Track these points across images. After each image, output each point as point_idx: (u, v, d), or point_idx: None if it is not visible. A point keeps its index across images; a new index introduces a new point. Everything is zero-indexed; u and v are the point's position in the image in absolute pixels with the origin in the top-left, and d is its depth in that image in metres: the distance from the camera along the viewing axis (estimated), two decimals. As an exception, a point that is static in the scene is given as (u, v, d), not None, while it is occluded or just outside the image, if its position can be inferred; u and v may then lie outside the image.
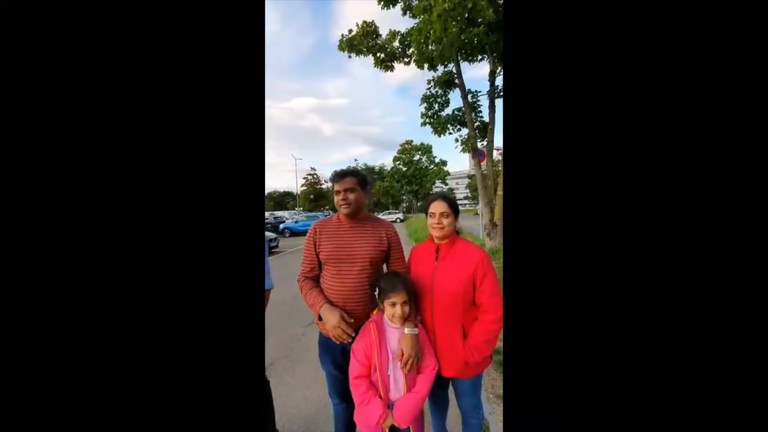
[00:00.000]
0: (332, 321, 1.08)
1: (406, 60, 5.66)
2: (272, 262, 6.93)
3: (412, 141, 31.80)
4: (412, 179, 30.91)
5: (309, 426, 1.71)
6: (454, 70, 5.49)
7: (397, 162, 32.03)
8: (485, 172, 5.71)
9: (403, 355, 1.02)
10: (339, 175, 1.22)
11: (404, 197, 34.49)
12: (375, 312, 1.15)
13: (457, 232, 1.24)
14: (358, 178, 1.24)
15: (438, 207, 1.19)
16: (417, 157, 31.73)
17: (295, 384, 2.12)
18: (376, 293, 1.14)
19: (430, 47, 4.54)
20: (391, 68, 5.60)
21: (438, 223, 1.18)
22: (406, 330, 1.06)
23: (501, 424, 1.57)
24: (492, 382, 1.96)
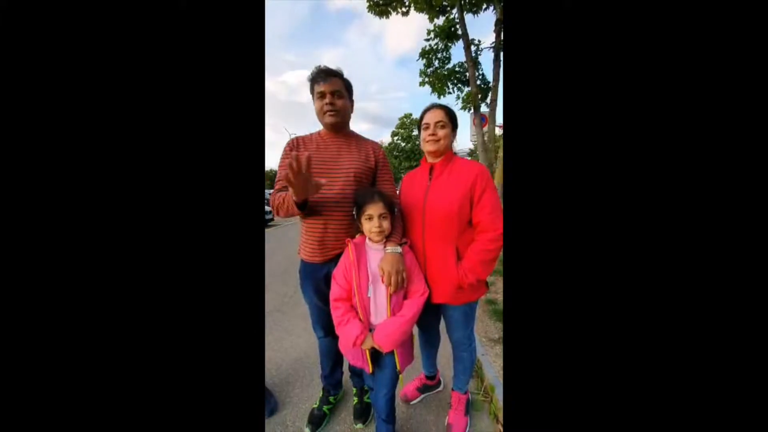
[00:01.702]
0: (287, 195, 0.89)
1: (403, 10, 5.14)
2: (268, 234, 6.99)
3: (411, 114, 30.65)
4: (411, 155, 30.20)
5: (296, 368, 1.67)
6: (457, 17, 5.00)
7: (396, 137, 31.10)
8: (487, 136, 5.44)
9: (383, 274, 0.90)
10: (325, 73, 0.99)
11: (402, 173, 34.01)
12: (357, 236, 1.03)
13: (454, 153, 1.09)
14: (345, 81, 1.04)
15: (433, 116, 1.00)
16: (416, 132, 30.78)
17: (285, 332, 2.08)
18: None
19: None
20: (387, 14, 5.07)
21: (432, 135, 1.00)
22: (388, 249, 0.94)
23: (494, 365, 1.52)
24: (485, 329, 1.92)
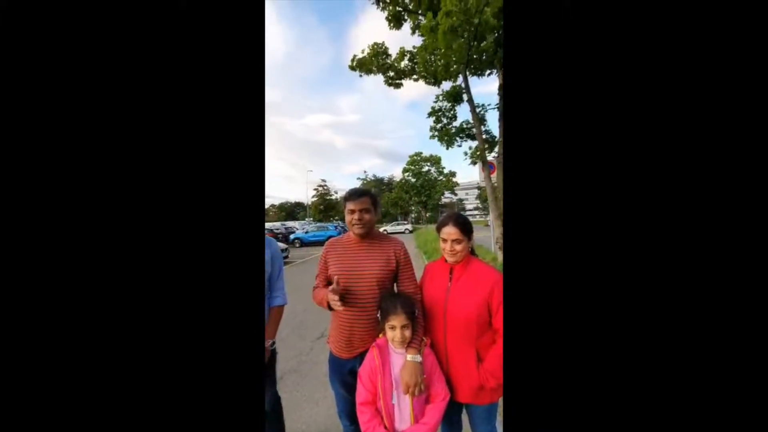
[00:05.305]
0: (324, 294, 1.11)
1: (414, 77, 5.85)
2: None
3: (421, 153, 32.05)
4: (421, 190, 30.91)
5: (317, 446, 1.67)
6: (462, 84, 5.62)
7: (407, 173, 32.21)
8: (495, 184, 5.68)
9: (403, 384, 1.00)
10: (355, 195, 1.21)
11: (413, 208, 34.42)
12: (381, 336, 1.13)
13: (471, 250, 1.23)
14: (372, 198, 1.25)
15: (449, 234, 1.16)
16: (426, 169, 31.86)
17: (304, 399, 2.09)
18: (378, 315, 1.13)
19: (438, 63, 4.66)
20: (400, 85, 5.79)
21: (451, 250, 1.16)
22: (408, 357, 1.03)
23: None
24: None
